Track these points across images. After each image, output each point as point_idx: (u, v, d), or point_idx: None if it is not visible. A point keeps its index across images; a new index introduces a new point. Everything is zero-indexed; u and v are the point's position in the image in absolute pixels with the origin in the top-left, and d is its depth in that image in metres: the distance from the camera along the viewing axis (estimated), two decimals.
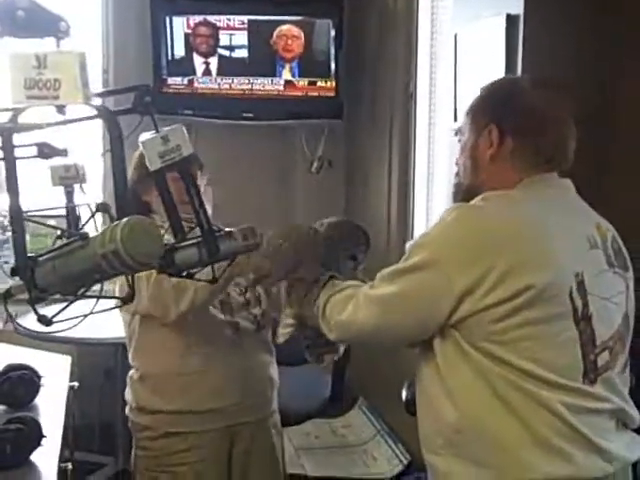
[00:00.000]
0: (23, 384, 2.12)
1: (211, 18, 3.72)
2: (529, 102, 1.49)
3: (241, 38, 3.74)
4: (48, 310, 1.09)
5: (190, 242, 1.25)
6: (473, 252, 1.36)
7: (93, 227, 1.19)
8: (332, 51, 3.78)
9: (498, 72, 2.30)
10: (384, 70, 3.58)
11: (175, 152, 1.17)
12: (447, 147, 3.01)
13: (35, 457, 1.79)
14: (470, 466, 1.41)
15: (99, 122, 1.15)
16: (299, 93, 3.80)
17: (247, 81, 3.77)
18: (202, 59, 3.75)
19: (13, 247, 1.05)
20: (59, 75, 1.02)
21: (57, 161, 1.48)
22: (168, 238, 1.19)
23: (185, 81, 3.75)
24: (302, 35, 3.76)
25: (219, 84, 3.77)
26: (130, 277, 1.18)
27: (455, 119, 2.63)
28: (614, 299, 1.45)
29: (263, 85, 3.78)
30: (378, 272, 1.49)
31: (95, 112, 1.09)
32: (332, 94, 3.80)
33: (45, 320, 1.06)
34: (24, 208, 1.12)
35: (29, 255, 1.07)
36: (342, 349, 1.72)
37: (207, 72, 3.76)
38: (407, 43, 3.38)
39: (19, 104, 1.05)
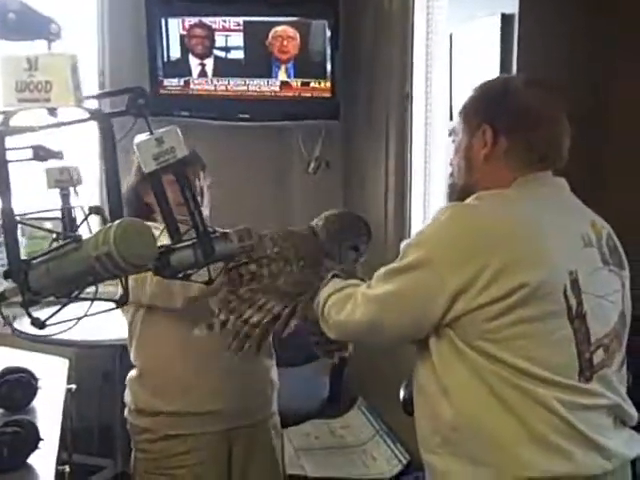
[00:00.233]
0: (20, 387, 2.11)
1: (206, 19, 3.72)
2: (522, 101, 1.49)
3: (237, 39, 3.74)
4: (44, 313, 1.09)
5: (186, 244, 1.25)
6: (466, 251, 1.36)
7: (87, 229, 1.18)
8: (328, 52, 3.78)
9: (493, 71, 2.30)
10: (380, 70, 3.58)
11: (169, 154, 1.17)
12: (443, 147, 3.01)
13: (32, 460, 1.79)
14: (468, 464, 1.41)
15: (94, 124, 1.15)
16: (295, 94, 3.80)
17: (243, 82, 3.77)
18: (198, 60, 3.75)
19: (5, 250, 1.05)
20: (50, 77, 1.02)
21: (53, 164, 1.48)
22: (162, 240, 1.19)
23: (181, 82, 3.75)
24: (298, 36, 3.76)
25: (215, 85, 3.77)
26: (124, 279, 1.18)
27: (451, 118, 2.63)
28: (610, 297, 1.45)
29: (259, 86, 3.78)
30: (376, 271, 1.49)
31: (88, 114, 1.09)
32: (328, 95, 3.80)
33: (38, 323, 1.06)
34: (19, 211, 1.12)
35: (23, 258, 1.07)
36: (352, 346, 1.70)
37: (203, 73, 3.76)
38: (403, 43, 3.38)
39: (10, 107, 1.05)
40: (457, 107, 1.60)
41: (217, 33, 3.73)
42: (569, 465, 1.36)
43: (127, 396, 2.13)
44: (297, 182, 4.08)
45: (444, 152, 2.95)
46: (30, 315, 1.06)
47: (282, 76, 3.78)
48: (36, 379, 2.16)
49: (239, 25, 3.73)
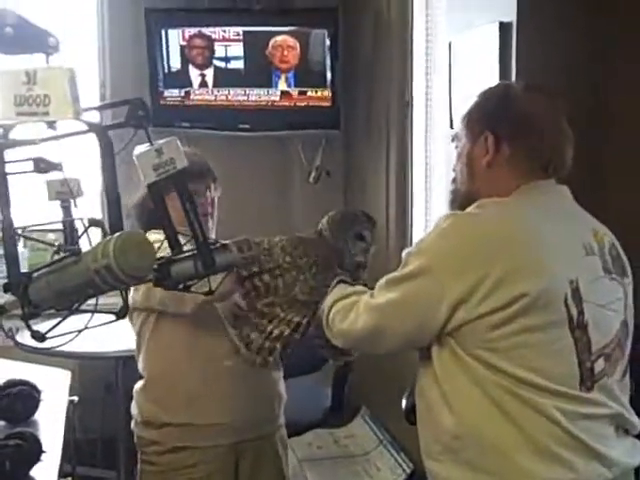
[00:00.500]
0: (22, 399, 2.11)
1: (206, 30, 3.73)
2: (524, 108, 1.49)
3: (236, 49, 3.75)
4: (45, 325, 1.09)
5: (186, 255, 1.25)
6: (467, 260, 1.36)
7: (87, 242, 1.18)
8: (328, 61, 3.78)
9: (492, 79, 2.30)
10: (380, 79, 3.58)
11: (169, 165, 1.17)
12: (444, 154, 3.01)
13: (35, 473, 1.78)
14: (469, 472, 1.41)
15: (94, 137, 1.15)
16: (295, 103, 3.80)
17: (243, 92, 3.78)
18: (198, 71, 3.77)
19: (5, 263, 1.05)
20: (49, 91, 1.02)
21: (53, 176, 1.48)
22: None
23: (182, 93, 3.76)
24: (297, 45, 3.76)
25: (215, 96, 3.78)
26: (124, 292, 1.17)
27: (451, 126, 2.63)
28: (611, 306, 1.45)
29: (259, 96, 3.78)
30: (378, 279, 1.49)
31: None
32: (328, 104, 3.80)
33: (38, 336, 1.06)
34: (21, 223, 1.12)
35: (23, 271, 1.07)
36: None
37: (203, 84, 3.77)
38: (402, 52, 3.39)
39: (9, 121, 1.05)
40: (457, 114, 1.60)
41: (217, 43, 3.74)
42: (571, 475, 1.36)
43: (133, 408, 2.11)
44: (298, 191, 4.08)
45: (444, 160, 2.95)
46: (30, 328, 1.06)
47: (282, 86, 3.78)
48: (38, 391, 2.16)
49: (239, 35, 3.74)
